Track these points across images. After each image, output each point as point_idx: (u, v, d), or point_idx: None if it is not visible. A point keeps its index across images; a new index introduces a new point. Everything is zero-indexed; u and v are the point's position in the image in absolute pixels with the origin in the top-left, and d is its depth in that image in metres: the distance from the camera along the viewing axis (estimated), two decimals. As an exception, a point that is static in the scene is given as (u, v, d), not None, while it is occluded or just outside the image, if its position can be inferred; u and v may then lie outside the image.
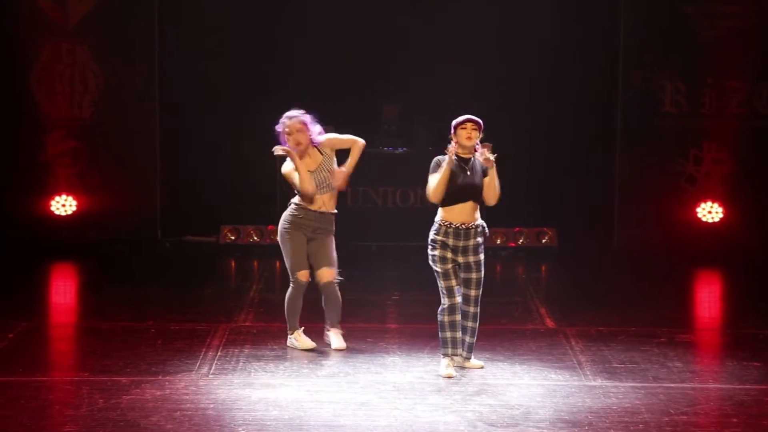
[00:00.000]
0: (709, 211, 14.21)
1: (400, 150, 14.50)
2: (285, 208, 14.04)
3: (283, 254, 9.24)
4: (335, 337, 9.33)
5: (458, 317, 8.69)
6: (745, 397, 8.26)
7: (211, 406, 7.93)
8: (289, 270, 9.22)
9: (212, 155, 14.34)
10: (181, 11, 14.07)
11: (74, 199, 14.22)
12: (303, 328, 9.33)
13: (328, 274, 9.21)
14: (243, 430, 7.45)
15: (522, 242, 14.06)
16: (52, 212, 14.21)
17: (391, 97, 14.72)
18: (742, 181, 14.11)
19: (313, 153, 9.16)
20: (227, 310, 10.83)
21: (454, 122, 8.65)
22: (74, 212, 14.22)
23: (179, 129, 14.19)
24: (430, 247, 8.63)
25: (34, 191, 14.16)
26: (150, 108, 14.16)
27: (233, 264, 13.62)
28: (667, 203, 14.31)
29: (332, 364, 9.03)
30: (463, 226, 8.54)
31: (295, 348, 9.27)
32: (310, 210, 9.16)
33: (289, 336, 9.35)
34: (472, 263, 8.60)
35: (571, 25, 14.10)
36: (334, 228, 9.30)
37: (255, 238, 14.05)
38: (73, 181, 14.22)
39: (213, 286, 12.20)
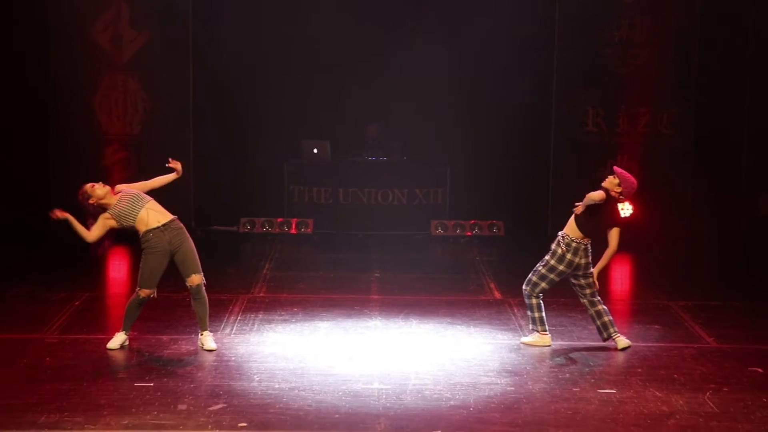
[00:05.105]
0: (622, 208, 14.21)
1: (381, 159, 14.53)
2: (291, 204, 14.23)
3: (140, 268, 8.13)
4: (208, 338, 8.20)
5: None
6: (647, 353, 8.37)
7: (233, 358, 8.00)
8: (138, 282, 8.12)
9: (234, 163, 14.37)
10: (211, 48, 14.00)
11: (127, 197, 14.14)
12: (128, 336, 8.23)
13: (197, 279, 8.10)
14: (257, 377, 7.53)
15: (476, 232, 14.06)
16: (110, 208, 14.13)
17: (375, 118, 14.68)
18: (648, 184, 14.14)
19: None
20: (246, 284, 10.85)
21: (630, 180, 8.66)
22: (127, 207, 14.13)
23: (209, 142, 14.20)
24: None
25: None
26: (185, 126, 14.12)
27: (250, 248, 13.62)
28: (589, 202, 14.26)
29: (327, 327, 9.08)
30: None
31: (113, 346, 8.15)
32: (154, 229, 8.11)
33: (118, 333, 8.21)
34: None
35: (512, 62, 14.00)
36: (185, 231, 8.20)
37: (267, 227, 14.05)
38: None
39: (234, 265, 12.20)
